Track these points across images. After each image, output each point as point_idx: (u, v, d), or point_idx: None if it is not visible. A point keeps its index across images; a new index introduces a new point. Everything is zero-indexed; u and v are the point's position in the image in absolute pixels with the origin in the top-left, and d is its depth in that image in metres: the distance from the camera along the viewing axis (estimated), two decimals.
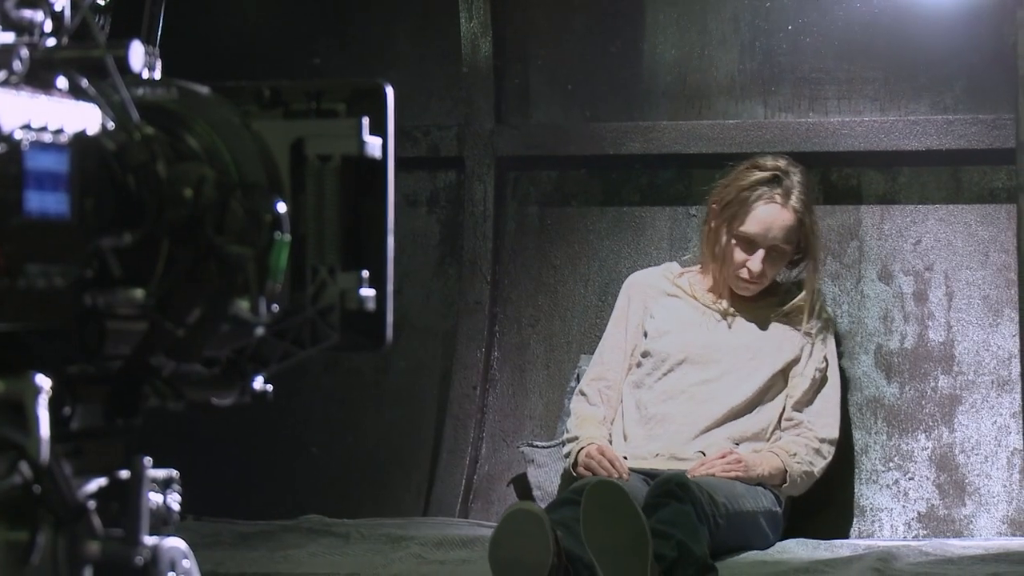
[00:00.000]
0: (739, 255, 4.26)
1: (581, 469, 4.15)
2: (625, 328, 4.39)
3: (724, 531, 3.84)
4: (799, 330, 4.32)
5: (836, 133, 4.73)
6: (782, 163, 4.30)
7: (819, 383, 4.32)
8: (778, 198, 4.25)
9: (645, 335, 4.36)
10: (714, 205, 4.33)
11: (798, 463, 4.20)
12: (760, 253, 4.24)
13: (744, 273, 4.26)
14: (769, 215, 4.25)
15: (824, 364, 4.34)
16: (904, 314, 4.70)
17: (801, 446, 4.23)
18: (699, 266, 4.42)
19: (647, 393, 4.28)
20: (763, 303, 4.36)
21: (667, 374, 4.28)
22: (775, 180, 4.27)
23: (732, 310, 4.34)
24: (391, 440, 4.95)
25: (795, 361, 4.31)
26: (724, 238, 4.28)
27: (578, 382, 4.51)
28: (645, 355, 4.33)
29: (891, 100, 4.76)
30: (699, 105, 4.87)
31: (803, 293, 4.34)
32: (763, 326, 4.33)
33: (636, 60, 4.91)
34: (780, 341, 4.31)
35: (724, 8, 4.86)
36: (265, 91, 1.52)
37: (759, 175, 4.28)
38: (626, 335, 4.39)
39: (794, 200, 4.26)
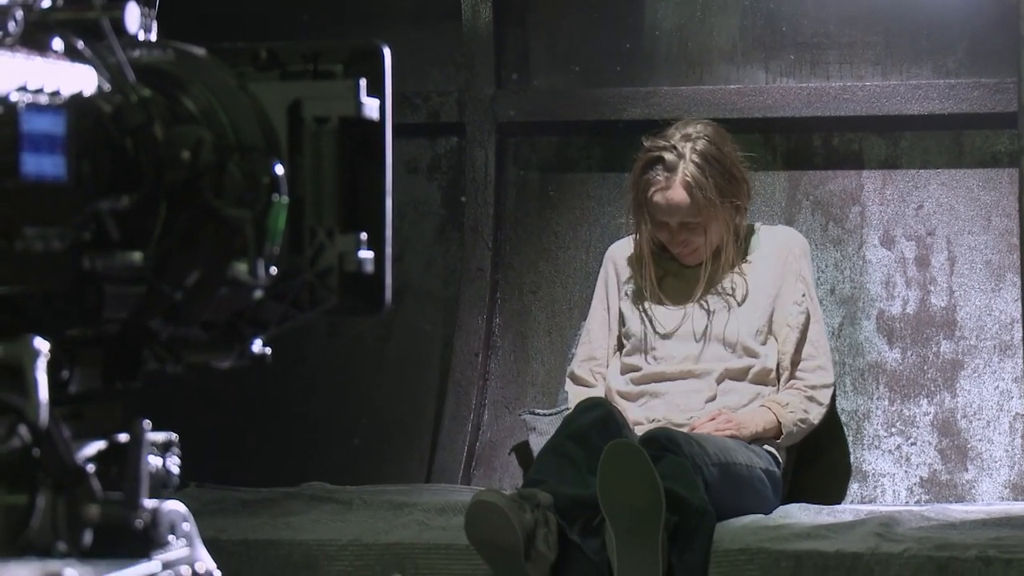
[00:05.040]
0: (663, 236, 4.23)
1: None
2: (607, 306, 4.37)
3: (718, 483, 3.83)
4: (767, 272, 4.27)
5: (838, 98, 4.72)
6: (675, 136, 4.18)
7: (804, 325, 4.27)
8: (662, 180, 4.16)
9: (622, 313, 4.32)
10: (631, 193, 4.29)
11: (791, 412, 4.18)
12: (675, 231, 4.19)
13: (676, 249, 4.23)
14: (662, 201, 4.17)
15: (803, 299, 4.26)
16: (906, 279, 4.70)
17: (793, 395, 4.21)
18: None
19: (637, 374, 4.25)
20: (720, 261, 4.27)
21: (651, 352, 4.24)
22: (658, 161, 4.17)
23: (699, 278, 4.28)
24: (393, 407, 4.95)
25: (775, 306, 4.25)
26: (647, 226, 4.22)
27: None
28: (627, 336, 4.30)
29: (893, 64, 4.75)
30: (700, 70, 4.86)
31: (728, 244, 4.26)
32: (731, 281, 4.26)
33: (637, 25, 4.90)
34: (753, 290, 4.25)
35: None
36: (262, 53, 1.51)
37: (645, 158, 4.20)
38: (608, 312, 4.36)
39: (681, 173, 4.14)
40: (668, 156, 4.16)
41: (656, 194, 4.18)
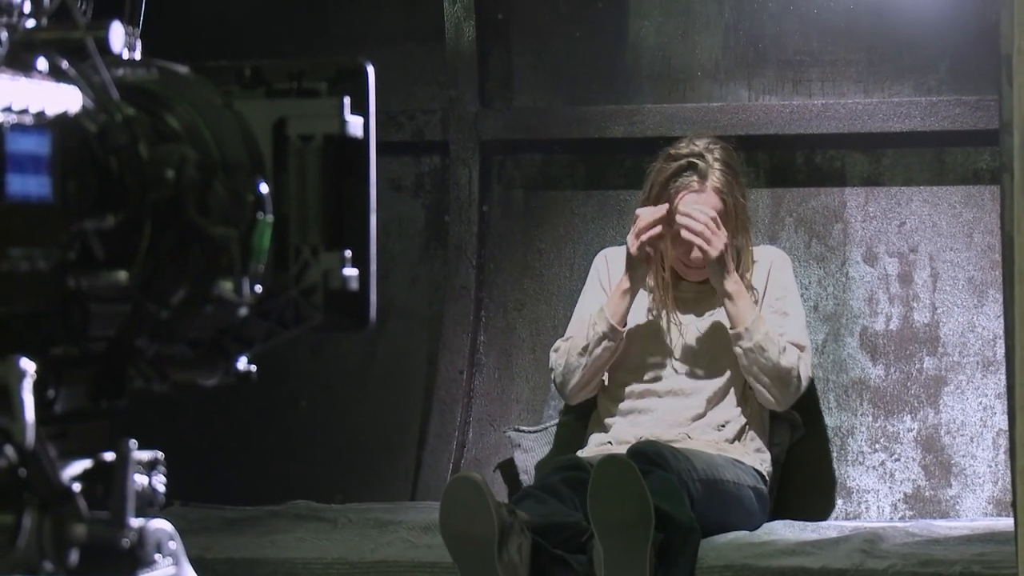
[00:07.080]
0: (678, 247, 4.19)
1: (643, 247, 4.10)
2: (600, 298, 4.32)
3: (704, 499, 3.82)
4: (752, 293, 4.26)
5: (820, 115, 4.73)
6: (698, 145, 4.20)
7: (779, 320, 4.22)
8: (695, 184, 4.15)
9: None
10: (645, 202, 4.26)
11: (767, 334, 4.11)
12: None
13: (688, 260, 4.20)
14: (693, 205, 4.15)
15: (776, 302, 4.24)
16: (889, 296, 4.71)
17: (776, 335, 4.16)
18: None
19: (625, 389, 4.25)
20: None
21: (640, 369, 4.24)
22: (690, 167, 4.17)
23: (691, 295, 4.27)
24: (378, 425, 4.95)
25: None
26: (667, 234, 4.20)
27: None
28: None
29: (875, 82, 4.77)
30: (683, 88, 4.87)
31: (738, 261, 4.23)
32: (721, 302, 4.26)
33: (620, 43, 4.91)
34: None
35: None
36: (246, 71, 1.51)
37: (675, 165, 4.18)
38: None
39: (713, 180, 4.16)
40: (700, 163, 4.17)
41: (688, 197, 4.15)
